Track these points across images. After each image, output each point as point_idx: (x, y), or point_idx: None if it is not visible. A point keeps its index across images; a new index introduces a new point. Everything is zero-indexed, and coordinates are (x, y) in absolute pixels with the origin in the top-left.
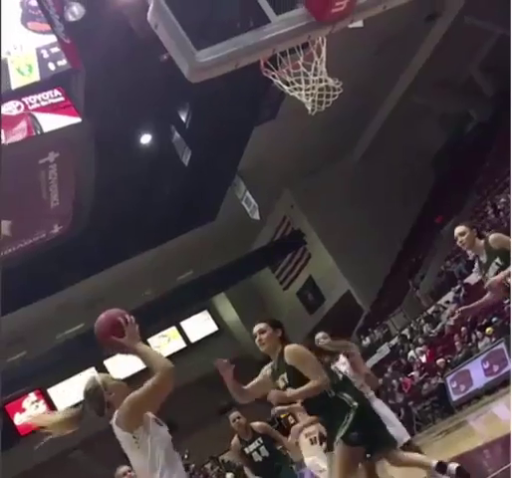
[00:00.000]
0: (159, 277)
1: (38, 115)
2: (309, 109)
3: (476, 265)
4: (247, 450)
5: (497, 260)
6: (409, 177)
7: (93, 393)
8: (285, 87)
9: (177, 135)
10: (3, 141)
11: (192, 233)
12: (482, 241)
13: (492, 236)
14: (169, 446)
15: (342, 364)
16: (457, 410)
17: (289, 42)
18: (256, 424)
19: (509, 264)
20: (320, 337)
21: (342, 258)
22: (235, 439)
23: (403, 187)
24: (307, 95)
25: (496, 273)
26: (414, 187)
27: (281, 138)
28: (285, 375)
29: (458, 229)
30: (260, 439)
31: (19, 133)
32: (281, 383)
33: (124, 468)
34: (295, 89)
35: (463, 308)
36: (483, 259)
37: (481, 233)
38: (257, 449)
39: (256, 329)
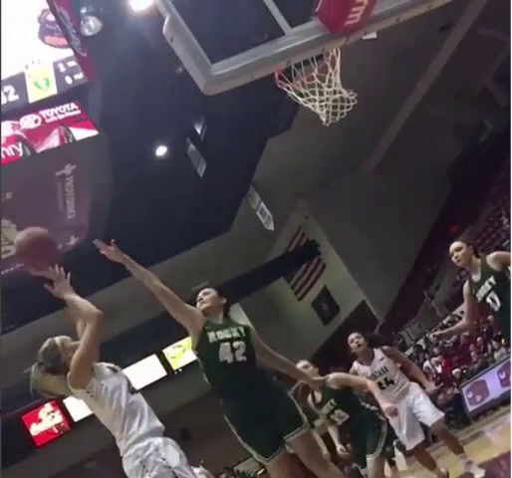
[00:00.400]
0: (174, 288)
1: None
2: (323, 120)
3: (466, 285)
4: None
5: (490, 279)
6: (424, 188)
7: (50, 352)
8: (299, 98)
9: (192, 147)
10: (27, 152)
11: (207, 244)
12: (479, 260)
13: (492, 255)
14: (128, 392)
15: (379, 360)
16: (473, 421)
17: (303, 54)
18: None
19: (504, 284)
20: (301, 365)
21: (356, 268)
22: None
23: (418, 198)
24: (321, 106)
25: (487, 293)
26: (429, 198)
27: (295, 149)
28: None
29: (455, 244)
30: (332, 401)
31: (50, 144)
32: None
33: None
34: (309, 100)
35: (437, 333)
36: (475, 277)
37: (477, 252)
38: (331, 412)
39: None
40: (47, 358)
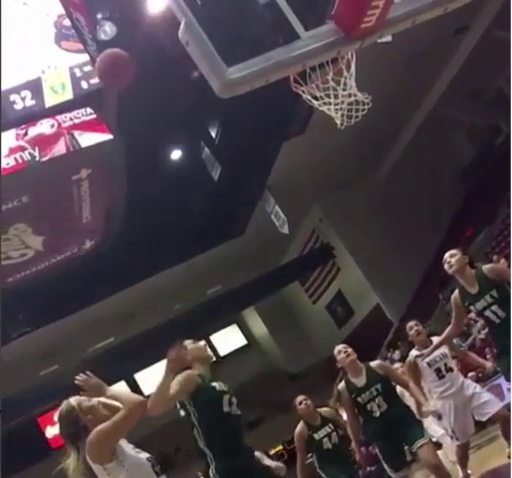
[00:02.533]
0: (189, 291)
1: (75, 131)
2: (338, 123)
3: (457, 295)
4: (317, 436)
5: (493, 292)
6: (439, 190)
7: (67, 416)
8: (314, 101)
9: (207, 151)
10: (37, 159)
11: (222, 247)
12: (473, 271)
13: (488, 267)
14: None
15: (443, 357)
16: (489, 424)
17: (318, 57)
18: (325, 409)
19: (506, 296)
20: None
21: (371, 271)
22: (301, 425)
23: (433, 200)
24: (336, 109)
25: (488, 306)
26: (444, 200)
27: (310, 153)
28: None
29: (449, 252)
30: (330, 425)
31: (58, 151)
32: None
33: None
34: (324, 103)
35: (419, 353)
36: (472, 290)
37: (473, 263)
38: (328, 435)
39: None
40: (65, 422)
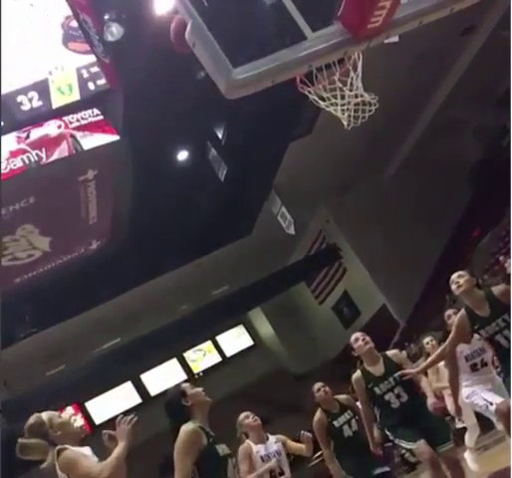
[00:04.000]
0: (195, 292)
1: (77, 133)
2: (345, 124)
3: (464, 317)
4: (337, 424)
5: (505, 316)
6: (446, 191)
7: (36, 430)
8: (321, 102)
9: (213, 152)
10: (43, 160)
11: (228, 248)
12: (482, 292)
13: (500, 288)
14: None
15: (477, 340)
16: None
17: (325, 58)
18: (342, 396)
19: None
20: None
21: (377, 272)
22: (320, 413)
23: (440, 201)
24: (343, 110)
25: (500, 330)
26: (451, 201)
27: (316, 153)
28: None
29: (457, 273)
30: (349, 411)
31: (60, 153)
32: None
33: None
34: (331, 104)
35: (404, 372)
36: (482, 313)
37: (480, 285)
38: (348, 422)
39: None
40: (33, 435)
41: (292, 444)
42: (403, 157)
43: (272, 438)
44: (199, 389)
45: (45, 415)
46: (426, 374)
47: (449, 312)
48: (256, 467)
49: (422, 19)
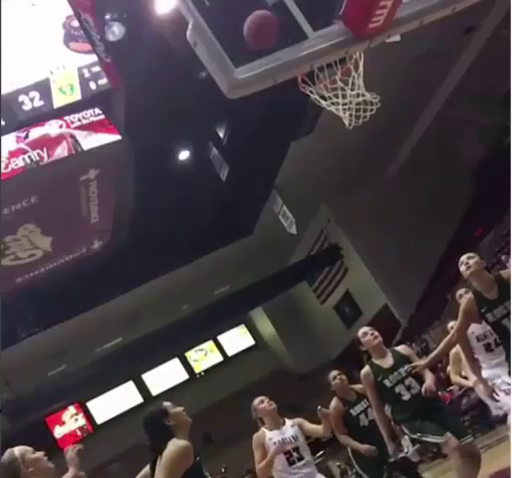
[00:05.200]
0: (197, 291)
1: (78, 133)
2: (346, 123)
3: (472, 300)
4: (353, 412)
5: None
6: (448, 191)
7: (8, 466)
8: (322, 101)
9: (215, 151)
10: (45, 160)
11: (229, 248)
12: (491, 276)
13: (509, 272)
14: None
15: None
16: (498, 425)
17: (326, 57)
18: (359, 386)
19: None
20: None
21: (379, 272)
22: (336, 401)
23: (441, 201)
24: (344, 109)
25: (508, 313)
26: (453, 201)
27: (318, 153)
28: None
29: (467, 254)
30: (366, 400)
31: (60, 153)
32: None
33: None
34: (332, 103)
35: (413, 364)
36: (490, 295)
37: (489, 269)
38: (365, 411)
39: None
40: (4, 471)
41: (309, 426)
42: (405, 157)
43: (288, 422)
44: (180, 409)
45: (17, 451)
46: (441, 363)
47: (461, 291)
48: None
49: (424, 18)
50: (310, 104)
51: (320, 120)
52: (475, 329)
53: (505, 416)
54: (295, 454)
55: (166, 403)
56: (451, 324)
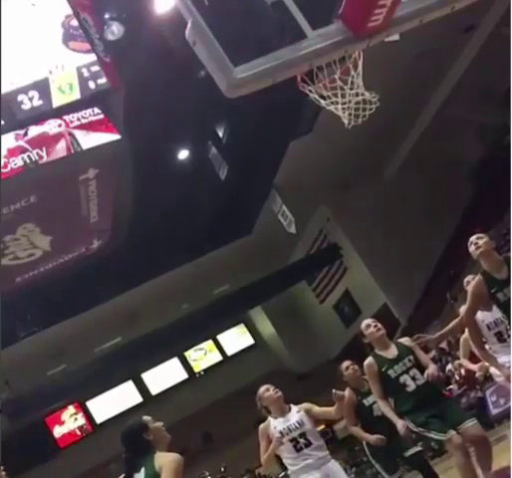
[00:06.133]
0: (196, 290)
1: (77, 132)
2: (345, 122)
3: (481, 281)
4: (367, 402)
5: None
6: (447, 190)
7: None
8: (321, 101)
9: (214, 151)
10: (44, 159)
11: (229, 247)
12: (501, 257)
13: None
14: None
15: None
16: (497, 424)
17: (326, 56)
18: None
19: None
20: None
21: (378, 271)
22: (349, 391)
23: (441, 200)
24: (343, 108)
25: None
26: (452, 200)
27: (317, 152)
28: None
29: (476, 235)
30: None
31: (59, 152)
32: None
33: None
34: (332, 102)
35: (419, 335)
36: (500, 275)
37: (499, 250)
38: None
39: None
40: None
41: (318, 409)
42: (404, 156)
43: (294, 408)
44: (160, 424)
45: None
46: (440, 362)
47: (468, 278)
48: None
49: (423, 17)
50: (309, 103)
51: (319, 120)
52: (485, 317)
53: (504, 416)
54: (301, 440)
55: (146, 418)
56: (462, 308)
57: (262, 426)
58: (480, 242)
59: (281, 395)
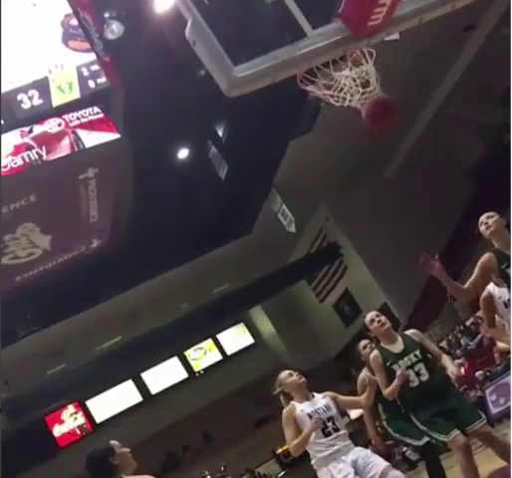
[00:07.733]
0: (196, 290)
1: (80, 131)
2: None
3: (492, 258)
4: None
5: None
6: (447, 189)
7: None
8: (322, 98)
9: (214, 150)
10: (49, 156)
11: (228, 246)
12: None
13: None
14: None
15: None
16: (497, 424)
17: (325, 55)
18: None
19: None
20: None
21: (378, 270)
22: (366, 372)
23: (441, 199)
24: (344, 104)
25: None
26: (452, 199)
27: (317, 151)
28: None
29: (486, 213)
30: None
31: (62, 150)
32: None
33: None
34: (333, 101)
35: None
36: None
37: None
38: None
39: None
40: None
41: (343, 398)
42: (404, 155)
43: (319, 395)
44: (127, 450)
45: None
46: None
47: (486, 256)
48: (303, 427)
49: (423, 16)
50: (309, 102)
51: (319, 119)
52: (502, 293)
53: (504, 415)
54: (330, 424)
55: (114, 442)
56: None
57: (286, 410)
58: (490, 221)
59: (305, 381)
